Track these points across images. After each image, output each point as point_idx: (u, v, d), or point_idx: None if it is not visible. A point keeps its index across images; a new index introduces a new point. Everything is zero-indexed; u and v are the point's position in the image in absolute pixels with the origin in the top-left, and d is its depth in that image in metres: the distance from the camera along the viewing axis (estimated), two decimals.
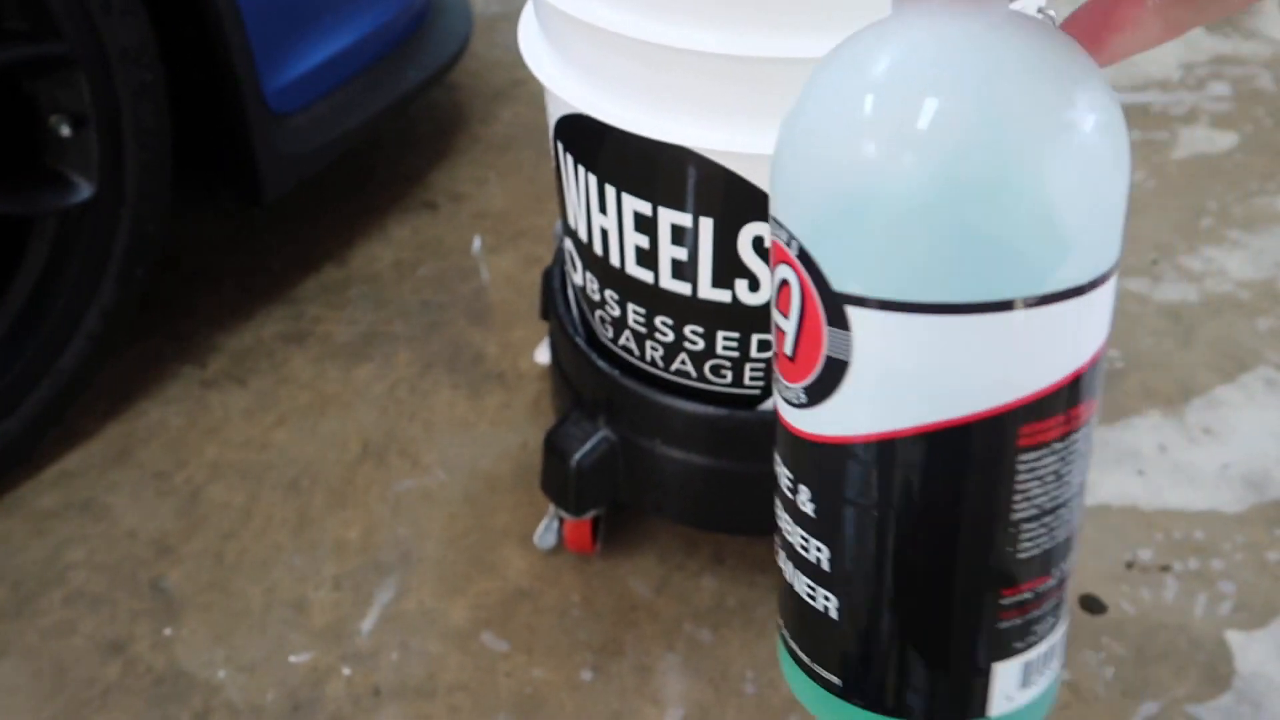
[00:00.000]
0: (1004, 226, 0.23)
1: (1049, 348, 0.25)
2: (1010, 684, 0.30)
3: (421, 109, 1.57)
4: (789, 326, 0.27)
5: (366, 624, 0.90)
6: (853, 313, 0.25)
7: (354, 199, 1.41)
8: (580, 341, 0.84)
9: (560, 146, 0.73)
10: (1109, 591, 0.90)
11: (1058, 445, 0.27)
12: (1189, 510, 0.96)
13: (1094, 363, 0.27)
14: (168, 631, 0.90)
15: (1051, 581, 0.29)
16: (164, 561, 0.96)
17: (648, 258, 0.70)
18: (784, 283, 0.27)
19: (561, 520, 0.92)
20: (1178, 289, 1.22)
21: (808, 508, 0.29)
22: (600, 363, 0.81)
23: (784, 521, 0.30)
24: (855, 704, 0.31)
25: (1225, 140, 1.47)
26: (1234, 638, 0.86)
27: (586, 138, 0.69)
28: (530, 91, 1.64)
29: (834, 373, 0.26)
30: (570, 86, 0.67)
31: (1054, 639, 0.32)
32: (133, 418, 1.10)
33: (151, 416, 1.10)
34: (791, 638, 0.32)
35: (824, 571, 0.29)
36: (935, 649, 0.29)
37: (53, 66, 0.92)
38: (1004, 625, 0.29)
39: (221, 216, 1.39)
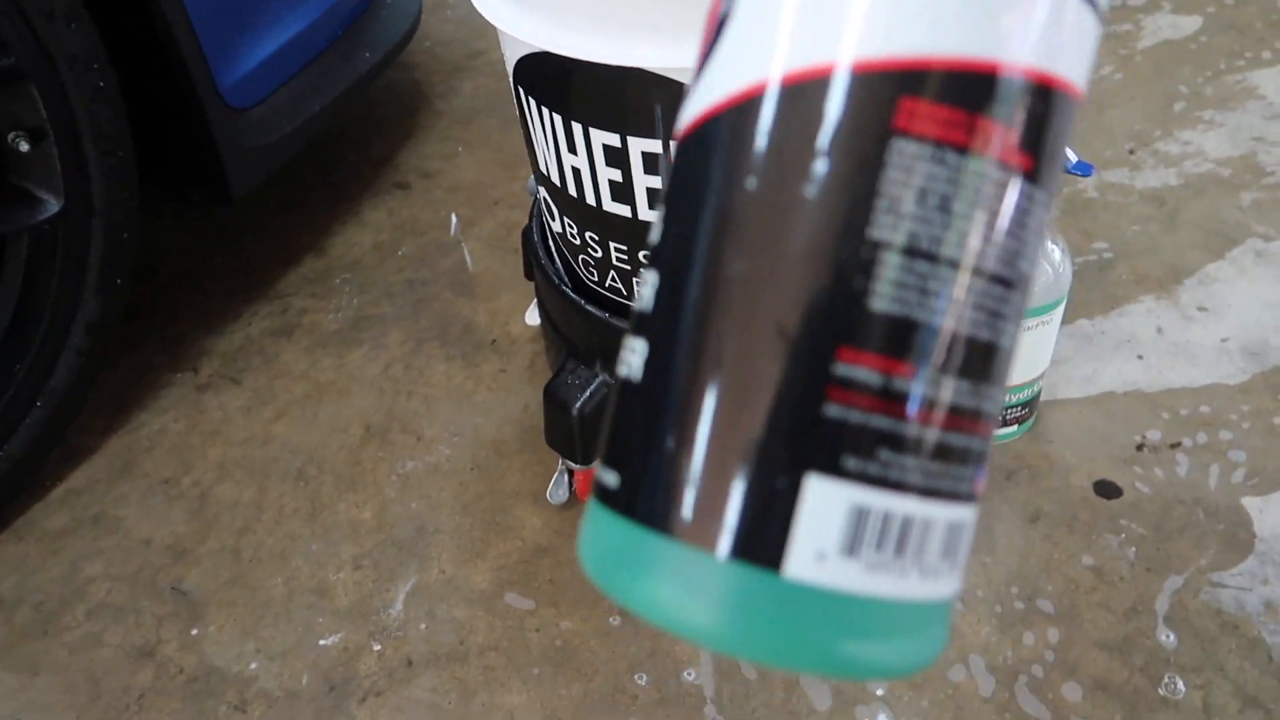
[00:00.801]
0: None
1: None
2: (826, 531, 0.20)
3: (382, 91, 1.56)
4: None
5: (391, 599, 0.90)
6: None
7: (326, 188, 1.40)
8: (567, 290, 0.83)
9: (522, 91, 0.73)
10: (1122, 475, 0.90)
11: (948, 157, 0.20)
12: (1192, 387, 0.97)
13: (1022, 76, 0.20)
14: (194, 631, 0.90)
15: (923, 389, 0.20)
16: (182, 565, 0.96)
17: (623, 191, 0.70)
18: None
19: (571, 472, 0.92)
20: (1158, 175, 1.22)
21: (654, 234, 0.23)
22: (590, 308, 0.81)
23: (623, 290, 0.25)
24: (637, 519, 0.22)
25: (1190, 24, 1.46)
26: (1250, 504, 0.86)
27: (547, 77, 0.68)
28: (489, 61, 1.62)
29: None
30: (524, 25, 0.66)
31: (930, 510, 0.21)
32: (132, 429, 1.10)
33: (151, 426, 1.10)
34: (609, 464, 0.23)
35: (644, 314, 0.22)
36: (737, 416, 0.21)
37: (1, 81, 0.91)
38: (830, 411, 0.20)
39: (196, 220, 1.38)
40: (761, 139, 0.20)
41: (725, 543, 0.21)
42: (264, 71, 1.14)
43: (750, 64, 0.20)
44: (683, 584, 0.21)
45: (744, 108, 0.20)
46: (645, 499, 0.22)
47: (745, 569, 0.20)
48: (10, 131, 0.93)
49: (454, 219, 1.32)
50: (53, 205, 0.96)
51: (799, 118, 0.20)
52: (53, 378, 1.01)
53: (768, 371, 0.20)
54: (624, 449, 0.22)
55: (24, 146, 0.93)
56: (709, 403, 0.21)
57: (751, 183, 0.21)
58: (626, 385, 0.23)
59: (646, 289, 0.22)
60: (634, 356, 0.22)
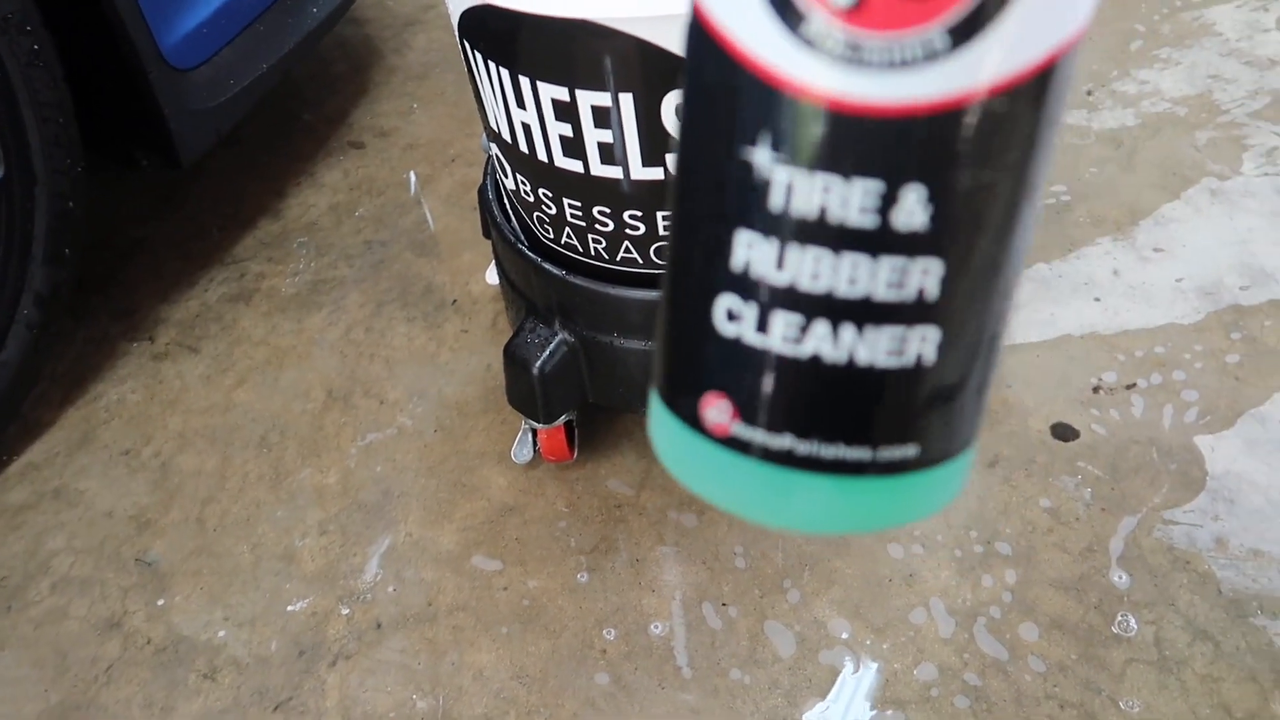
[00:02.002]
0: None
1: None
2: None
3: (333, 47, 1.52)
4: None
5: (359, 563, 0.90)
6: None
7: (280, 150, 1.37)
8: (523, 248, 0.83)
9: (468, 45, 0.71)
10: (1079, 418, 0.91)
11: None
12: (1148, 328, 0.98)
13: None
14: (161, 602, 0.90)
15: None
16: (146, 536, 0.95)
17: (574, 146, 0.69)
18: None
19: (535, 432, 0.92)
20: (1115, 115, 1.22)
21: (918, 218, 0.20)
22: (546, 265, 0.80)
23: (826, 267, 0.21)
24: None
25: None
26: (1203, 441, 0.88)
27: (492, 30, 0.67)
28: (442, 14, 1.59)
29: None
30: None
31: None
32: (90, 401, 1.08)
33: (109, 397, 1.09)
34: (801, 431, 0.23)
35: (925, 303, 0.21)
36: None
37: None
38: None
39: (147, 187, 1.35)
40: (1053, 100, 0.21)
41: None
42: (207, 30, 1.10)
43: (1066, 20, 0.20)
44: None
45: (1057, 69, 0.20)
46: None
47: None
48: None
49: (412, 177, 1.30)
50: None
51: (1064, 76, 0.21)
52: (3, 352, 0.99)
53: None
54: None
55: None
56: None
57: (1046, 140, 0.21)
58: (907, 375, 0.22)
59: (928, 279, 0.21)
60: (921, 344, 0.22)
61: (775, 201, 0.21)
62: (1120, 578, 0.79)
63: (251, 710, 0.80)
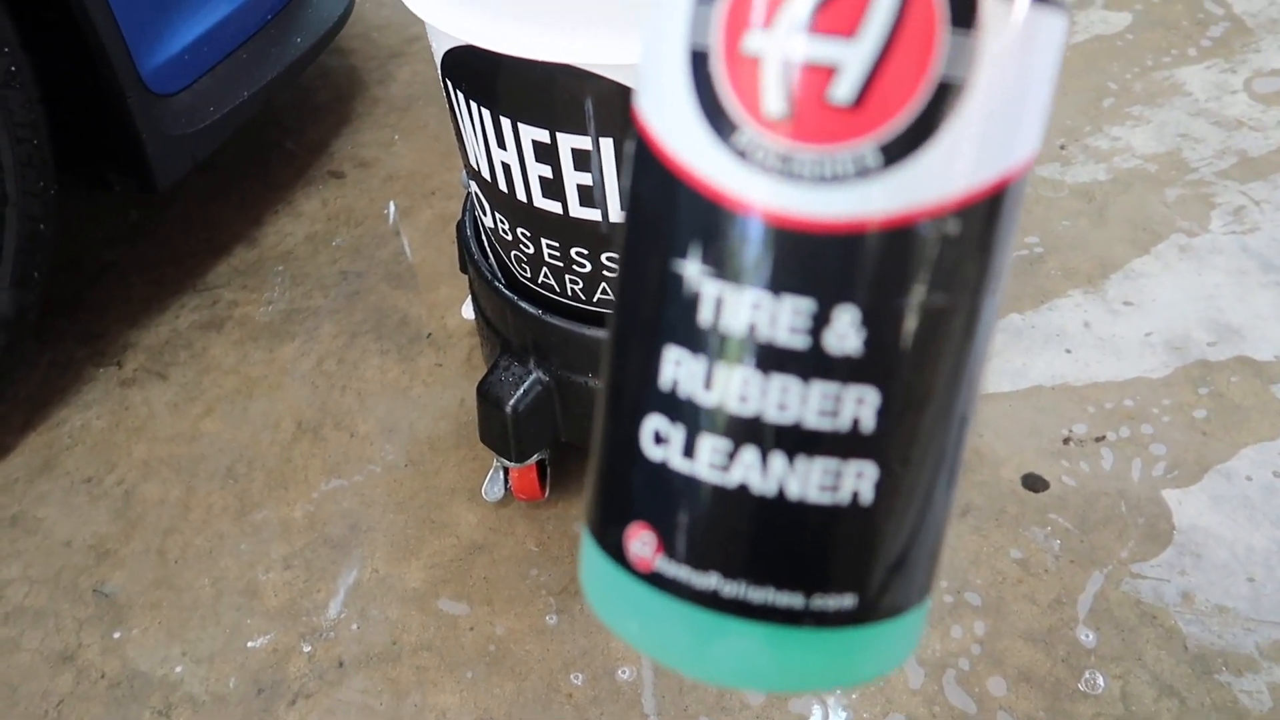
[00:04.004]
0: None
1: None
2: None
3: (316, 76, 1.52)
4: (856, 53, 0.18)
5: (322, 599, 0.88)
6: (988, 6, 0.18)
7: (258, 177, 1.37)
8: (500, 286, 0.82)
9: (450, 84, 0.71)
10: (1049, 468, 0.92)
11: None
12: (1117, 381, 0.99)
13: None
14: (117, 635, 0.88)
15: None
16: (104, 566, 0.93)
17: (553, 188, 0.69)
18: None
19: (506, 470, 0.92)
20: (1088, 170, 1.24)
21: (851, 342, 0.19)
22: (523, 304, 0.80)
23: (754, 389, 0.20)
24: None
25: (1119, 20, 1.49)
26: (1170, 495, 0.89)
27: (475, 70, 0.67)
28: (426, 47, 1.59)
29: (941, 107, 0.18)
30: (452, 18, 0.65)
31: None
32: (53, 426, 1.06)
33: (73, 423, 1.07)
34: (727, 571, 0.21)
35: (861, 435, 0.20)
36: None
37: None
38: None
39: (121, 210, 1.34)
40: (996, 229, 0.20)
41: None
42: (188, 56, 1.10)
43: (1003, 152, 0.20)
44: None
45: (996, 200, 0.20)
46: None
47: None
48: None
49: (392, 207, 1.30)
50: None
51: (1011, 205, 0.21)
52: None
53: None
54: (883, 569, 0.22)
55: None
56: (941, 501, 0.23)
57: (997, 266, 0.21)
58: (844, 513, 0.21)
59: (862, 408, 0.20)
60: (856, 481, 0.21)
61: (704, 317, 0.20)
62: (1087, 635, 0.80)
63: None
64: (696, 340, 0.20)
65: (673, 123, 0.20)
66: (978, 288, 0.20)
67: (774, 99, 0.19)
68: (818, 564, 0.21)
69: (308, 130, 1.44)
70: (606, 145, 0.65)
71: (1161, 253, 1.12)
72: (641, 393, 0.21)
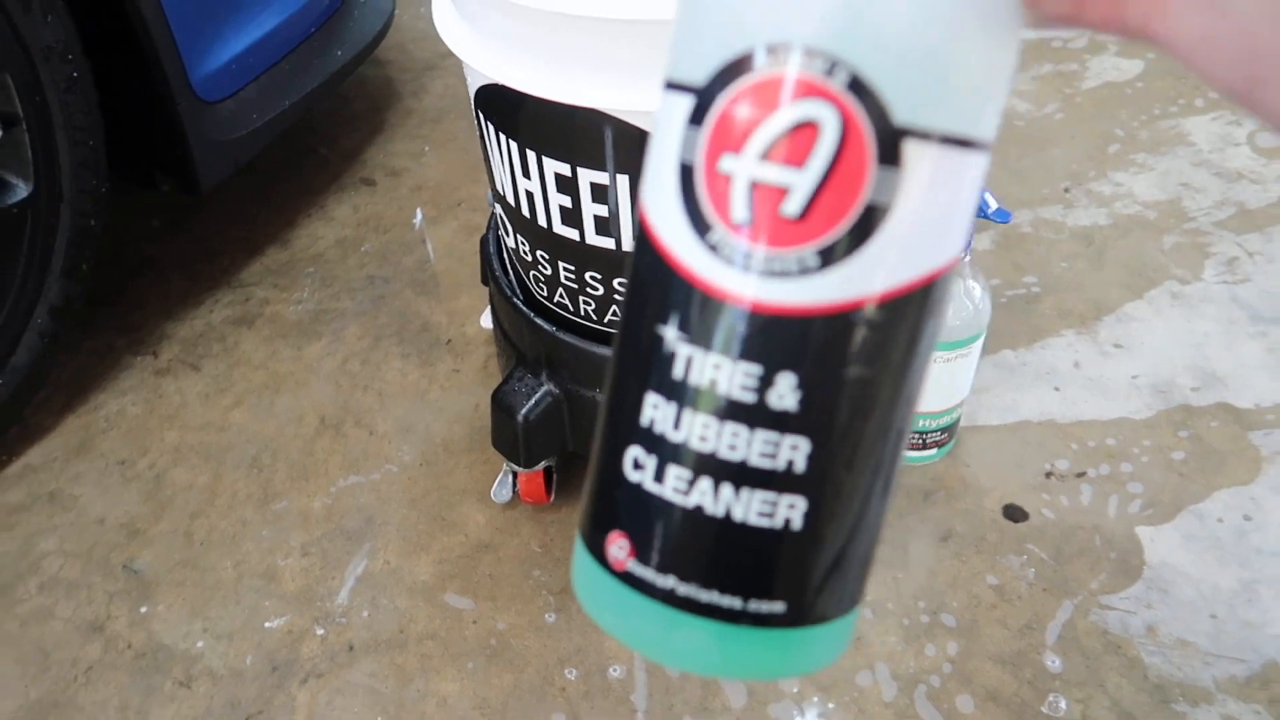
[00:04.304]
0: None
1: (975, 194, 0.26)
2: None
3: (353, 86, 1.59)
4: (803, 179, 0.23)
5: (336, 587, 0.94)
6: (910, 148, 0.23)
7: (293, 180, 1.43)
8: (518, 302, 0.88)
9: (481, 116, 0.77)
10: (1030, 500, 0.96)
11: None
12: (1102, 420, 1.03)
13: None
14: (144, 609, 0.93)
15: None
16: (135, 544, 0.99)
17: (572, 216, 0.74)
18: (803, 124, 0.23)
19: (515, 474, 0.97)
20: (1089, 214, 1.28)
21: (788, 401, 0.24)
22: (538, 321, 0.85)
23: (712, 432, 0.25)
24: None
25: (1131, 67, 1.53)
26: (1143, 533, 0.93)
27: (505, 106, 0.73)
28: (459, 63, 1.65)
29: (869, 224, 0.23)
30: (485, 58, 0.70)
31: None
32: (91, 410, 1.13)
33: (109, 407, 1.13)
34: (682, 575, 0.26)
35: (794, 474, 0.25)
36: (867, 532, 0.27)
37: None
38: None
39: (162, 207, 1.40)
40: (915, 320, 0.25)
41: None
42: (236, 66, 1.17)
43: (923, 257, 0.24)
44: None
45: (916, 295, 0.25)
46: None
47: None
48: None
49: (419, 215, 1.36)
50: (21, 190, 0.98)
51: (935, 298, 0.25)
52: (15, 356, 1.03)
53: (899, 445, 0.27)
54: (803, 590, 0.27)
55: None
56: (869, 533, 0.28)
57: (919, 350, 0.25)
58: (772, 535, 0.25)
59: (795, 454, 0.25)
60: (789, 510, 0.26)
61: (677, 372, 0.25)
62: (1053, 661, 0.84)
63: None
64: (670, 390, 0.25)
65: (664, 217, 0.25)
66: (899, 364, 0.25)
67: (739, 209, 0.24)
68: (755, 575, 0.26)
69: (342, 138, 1.50)
70: (622, 181, 0.71)
71: (1154, 298, 1.16)
72: (626, 427, 0.26)
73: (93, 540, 0.99)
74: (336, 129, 1.52)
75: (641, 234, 0.26)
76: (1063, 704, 0.81)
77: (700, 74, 0.24)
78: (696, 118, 0.24)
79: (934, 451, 0.99)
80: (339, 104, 1.55)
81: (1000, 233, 1.26)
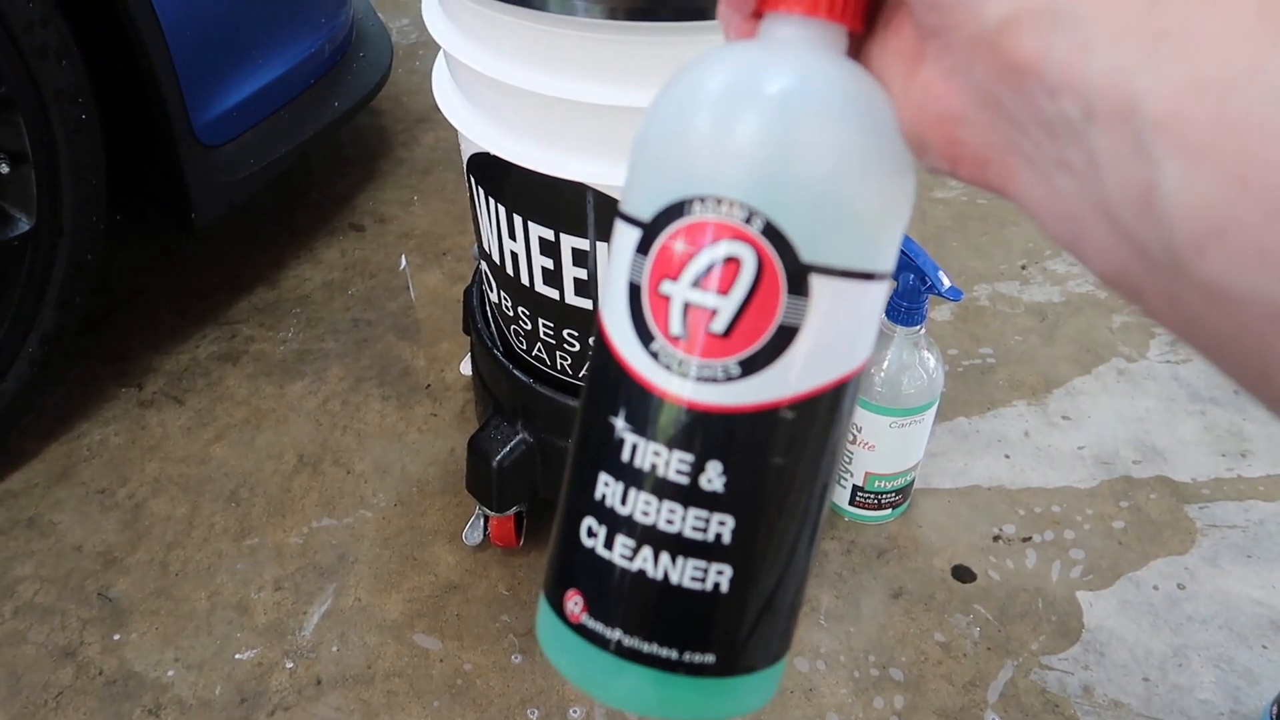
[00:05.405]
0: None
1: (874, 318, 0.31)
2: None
3: (347, 134, 1.64)
4: (727, 304, 0.27)
5: (307, 621, 0.97)
6: (816, 281, 0.28)
7: (283, 222, 1.47)
8: (498, 353, 0.92)
9: (473, 180, 0.82)
10: (977, 562, 1.01)
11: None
12: (1048, 488, 1.09)
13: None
14: (117, 636, 0.96)
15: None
16: (110, 572, 1.01)
17: (553, 277, 0.79)
18: (727, 260, 0.27)
19: (487, 518, 1.01)
20: (1044, 290, 1.35)
21: (716, 484, 0.29)
22: (516, 372, 0.90)
23: (652, 508, 0.29)
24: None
25: None
26: (1083, 597, 0.98)
27: (495, 173, 0.78)
28: None
29: (782, 341, 0.28)
30: (479, 129, 0.76)
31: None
32: (74, 438, 1.15)
33: (92, 436, 1.16)
34: (627, 629, 0.30)
35: (722, 545, 0.29)
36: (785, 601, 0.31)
37: None
38: None
39: (154, 242, 1.44)
40: (824, 420, 0.30)
41: None
42: (237, 113, 1.21)
43: (827, 367, 0.29)
44: None
45: (823, 398, 0.29)
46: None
47: None
48: None
49: (404, 262, 1.40)
50: (23, 224, 1.02)
51: (842, 401, 0.30)
52: (3, 383, 1.06)
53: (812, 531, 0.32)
54: (729, 643, 0.31)
55: (3, 168, 1.00)
56: (795, 589, 0.32)
57: (829, 443, 0.30)
58: (704, 597, 0.30)
59: (723, 529, 0.29)
60: (718, 576, 0.30)
61: (624, 456, 0.29)
62: (994, 718, 0.88)
63: None
64: (619, 470, 0.29)
65: (616, 325, 0.29)
66: (813, 454, 0.30)
67: (676, 325, 0.28)
68: (689, 630, 0.30)
69: (335, 183, 1.55)
70: (601, 247, 0.76)
71: (1102, 374, 1.23)
72: (583, 500, 0.30)
73: (69, 567, 1.02)
74: (329, 174, 1.57)
75: (599, 337, 0.30)
76: None
77: (646, 212, 0.29)
78: (643, 248, 0.29)
79: (889, 512, 1.04)
80: (333, 150, 1.60)
81: (960, 306, 1.32)
